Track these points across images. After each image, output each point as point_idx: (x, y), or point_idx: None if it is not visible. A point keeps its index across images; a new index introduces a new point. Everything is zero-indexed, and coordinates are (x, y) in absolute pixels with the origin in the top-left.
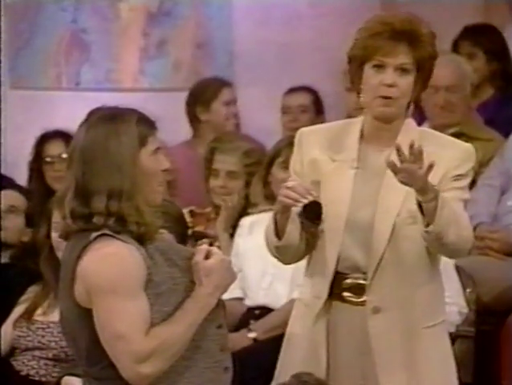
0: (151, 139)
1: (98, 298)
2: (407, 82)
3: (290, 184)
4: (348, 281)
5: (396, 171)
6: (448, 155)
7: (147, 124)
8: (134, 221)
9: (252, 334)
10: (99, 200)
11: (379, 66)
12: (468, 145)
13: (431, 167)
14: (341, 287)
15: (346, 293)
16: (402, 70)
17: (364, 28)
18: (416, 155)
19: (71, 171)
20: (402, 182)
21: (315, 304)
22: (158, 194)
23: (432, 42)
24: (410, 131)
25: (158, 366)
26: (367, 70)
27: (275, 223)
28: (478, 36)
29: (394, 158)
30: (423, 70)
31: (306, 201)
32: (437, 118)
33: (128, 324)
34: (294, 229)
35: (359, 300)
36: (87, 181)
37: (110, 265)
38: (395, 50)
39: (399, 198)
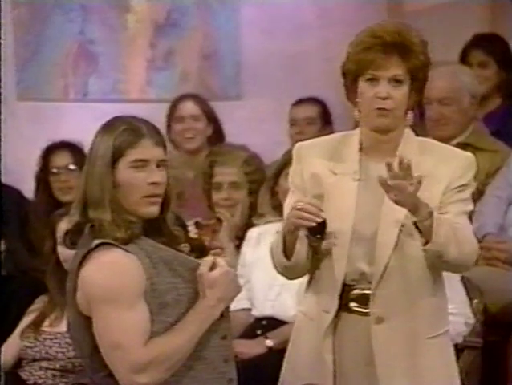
0: (131, 151)
1: (96, 307)
2: (401, 93)
3: (299, 205)
4: (355, 291)
5: (387, 189)
6: (449, 167)
7: (131, 135)
8: (99, 230)
9: (270, 343)
10: (77, 208)
11: (373, 80)
12: (468, 154)
13: (419, 183)
14: (348, 298)
15: (353, 304)
16: (396, 81)
17: (355, 42)
18: (405, 170)
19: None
20: (394, 201)
21: (324, 318)
22: (144, 206)
23: (423, 50)
24: (410, 142)
25: (155, 377)
26: (361, 83)
27: (284, 243)
28: (491, 45)
29: (394, 169)
30: (417, 78)
31: (319, 220)
32: (432, 130)
33: (125, 334)
34: (302, 248)
35: (366, 310)
36: (82, 190)
37: (107, 274)
38: (387, 62)
39: (402, 208)
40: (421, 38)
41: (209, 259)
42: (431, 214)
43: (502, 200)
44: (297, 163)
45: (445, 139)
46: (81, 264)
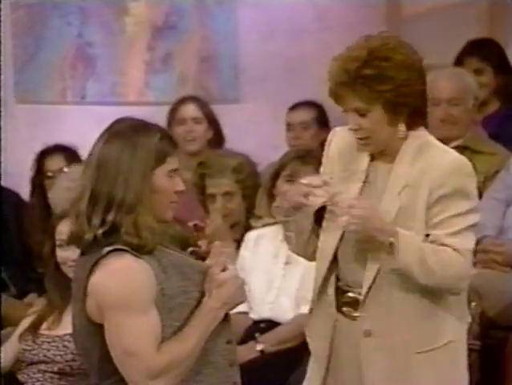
0: (170, 159)
1: (108, 314)
2: (369, 121)
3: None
4: (350, 294)
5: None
6: (429, 176)
7: (169, 143)
8: (127, 233)
9: (259, 346)
10: (100, 208)
11: (346, 110)
12: (454, 158)
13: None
14: (342, 301)
15: (345, 308)
16: (360, 112)
17: (331, 65)
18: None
19: (86, 177)
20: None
21: (328, 320)
22: (169, 211)
23: (403, 66)
24: (410, 148)
25: (169, 383)
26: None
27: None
28: (485, 51)
29: (398, 172)
30: (392, 99)
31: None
32: (439, 131)
33: (138, 340)
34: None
35: (357, 314)
36: (98, 188)
37: (120, 281)
38: (345, 97)
39: (394, 210)
40: (405, 50)
41: (221, 260)
42: (396, 233)
43: (501, 202)
44: (326, 148)
45: (451, 140)
46: (91, 271)
